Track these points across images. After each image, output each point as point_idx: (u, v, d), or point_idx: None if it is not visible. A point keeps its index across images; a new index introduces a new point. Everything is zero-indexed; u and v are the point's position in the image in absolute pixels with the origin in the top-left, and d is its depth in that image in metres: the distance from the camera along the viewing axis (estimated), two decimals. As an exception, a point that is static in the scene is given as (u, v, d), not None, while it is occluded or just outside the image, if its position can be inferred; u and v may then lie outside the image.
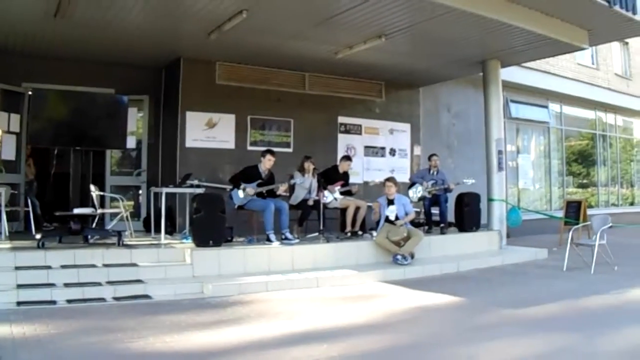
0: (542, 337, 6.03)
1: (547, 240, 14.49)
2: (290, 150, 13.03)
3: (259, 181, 10.22)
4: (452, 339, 6.01)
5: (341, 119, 14.17)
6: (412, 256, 10.34)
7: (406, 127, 15.17)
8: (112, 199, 11.53)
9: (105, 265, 8.29)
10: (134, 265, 8.51)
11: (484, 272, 10.52)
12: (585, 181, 22.18)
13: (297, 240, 10.18)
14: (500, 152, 12.84)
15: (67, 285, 7.64)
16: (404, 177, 14.08)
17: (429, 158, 12.54)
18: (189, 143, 11.98)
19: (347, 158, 12.01)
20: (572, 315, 7.12)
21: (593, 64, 21.04)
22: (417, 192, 12.14)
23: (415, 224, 11.48)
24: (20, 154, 11.49)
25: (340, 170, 11.79)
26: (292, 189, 10.93)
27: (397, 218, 10.58)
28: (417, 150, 15.30)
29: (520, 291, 8.75)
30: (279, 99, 13.08)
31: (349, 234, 11.03)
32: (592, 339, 6.00)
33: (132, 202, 12.56)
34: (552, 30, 10.70)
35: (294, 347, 5.61)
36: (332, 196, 11.02)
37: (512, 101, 17.72)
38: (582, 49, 12.11)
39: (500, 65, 12.91)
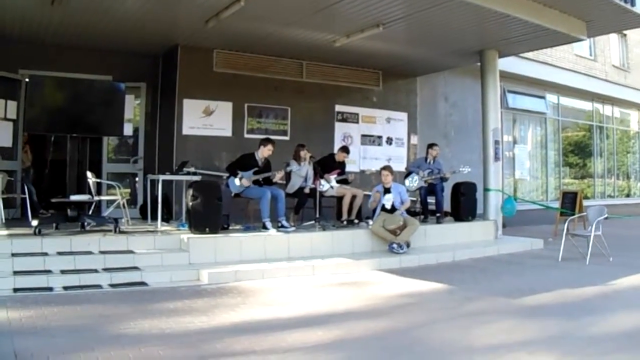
0: (536, 325, 6.07)
1: (543, 230, 14.53)
2: (287, 138, 13.03)
3: (256, 169, 10.22)
4: (447, 326, 6.04)
5: (338, 108, 14.16)
6: (408, 245, 10.36)
7: (403, 116, 15.18)
8: (109, 186, 11.55)
9: (102, 252, 8.30)
10: (131, 252, 8.51)
11: (480, 261, 10.55)
12: (581, 172, 22.22)
13: (293, 228, 10.20)
14: (497, 142, 12.86)
15: (63, 272, 7.65)
16: (400, 166, 14.16)
17: (431, 147, 12.50)
18: (186, 130, 11.99)
19: (345, 150, 12.03)
20: (567, 304, 7.15)
21: (591, 55, 21.04)
22: (413, 181, 12.15)
23: (411, 212, 11.51)
24: (16, 141, 11.50)
25: (337, 159, 11.81)
26: (288, 176, 10.95)
27: (393, 206, 10.61)
28: (414, 140, 15.31)
29: (516, 281, 8.77)
30: (277, 87, 13.07)
31: (345, 222, 11.07)
32: (586, 327, 6.04)
33: (128, 190, 12.58)
34: (551, 21, 10.70)
35: (290, 333, 5.63)
36: (328, 184, 11.05)
37: (510, 91, 17.72)
38: (580, 40, 12.12)
39: (498, 55, 12.91)
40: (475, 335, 5.72)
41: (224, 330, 5.73)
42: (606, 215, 10.48)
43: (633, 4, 10.51)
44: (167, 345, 5.13)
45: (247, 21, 10.32)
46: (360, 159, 14.36)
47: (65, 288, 7.28)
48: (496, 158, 12.86)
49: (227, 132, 12.51)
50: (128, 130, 12.09)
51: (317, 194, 10.63)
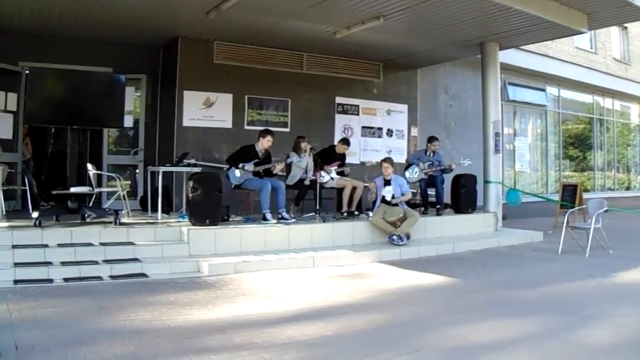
0: (535, 319, 6.08)
1: (543, 223, 14.55)
2: (287, 130, 13.03)
3: (256, 160, 10.23)
4: (447, 319, 6.04)
5: (339, 99, 14.16)
6: (408, 237, 10.38)
7: (404, 108, 15.17)
8: (109, 178, 11.56)
9: (102, 244, 8.31)
10: (131, 244, 8.52)
11: (480, 253, 10.57)
12: (581, 165, 22.22)
13: (293, 220, 10.21)
14: (497, 135, 12.85)
15: (64, 263, 7.67)
16: (400, 157, 14.16)
17: (430, 141, 12.47)
18: (186, 122, 11.99)
19: (346, 142, 12.01)
20: (566, 297, 7.17)
21: (592, 48, 21.01)
22: (413, 172, 12.15)
23: (411, 204, 11.51)
24: (17, 133, 11.49)
25: (337, 151, 11.81)
26: (288, 168, 10.96)
27: (393, 198, 10.61)
28: (414, 131, 15.30)
29: (515, 273, 8.79)
30: (277, 78, 13.05)
31: (345, 214, 11.07)
32: (585, 321, 6.04)
33: (129, 181, 12.58)
34: (551, 13, 10.68)
35: (289, 325, 5.64)
36: (328, 176, 11.05)
37: (510, 84, 17.71)
38: (581, 32, 12.10)
39: (498, 47, 12.89)
40: (475, 327, 5.73)
41: (225, 322, 5.74)
42: (606, 208, 10.48)
43: (634, -4, 10.50)
44: (168, 337, 5.15)
45: (247, 13, 10.30)
46: (361, 151, 14.36)
47: (66, 280, 7.30)
48: (496, 150, 12.85)
49: (228, 124, 12.50)
50: (128, 122, 12.09)
51: (318, 185, 10.64)
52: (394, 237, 10.19)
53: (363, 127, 14.57)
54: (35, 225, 8.43)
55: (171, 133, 11.95)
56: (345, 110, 14.27)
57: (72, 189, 9.28)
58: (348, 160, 12.21)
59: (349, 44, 12.46)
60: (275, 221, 9.96)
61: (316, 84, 13.61)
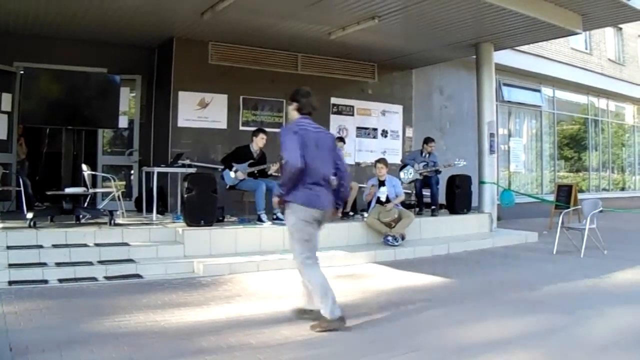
0: (531, 319, 6.09)
1: (538, 223, 14.56)
2: (282, 130, 12.99)
3: (251, 161, 10.22)
4: (442, 320, 6.04)
5: (334, 100, 14.15)
6: (403, 237, 10.38)
7: (398, 108, 15.18)
8: (104, 179, 11.56)
9: (97, 245, 8.29)
10: (126, 244, 8.50)
11: (475, 254, 10.57)
12: (576, 165, 22.26)
13: (288, 221, 10.18)
14: (492, 135, 12.85)
15: (58, 264, 7.65)
16: (395, 158, 14.16)
17: (426, 142, 12.46)
18: (181, 123, 11.96)
19: (341, 140, 12.02)
20: (561, 297, 7.17)
21: (586, 48, 21.07)
22: (408, 173, 12.17)
23: (406, 205, 11.51)
24: (12, 134, 11.48)
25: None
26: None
27: (387, 199, 10.62)
28: (409, 132, 15.32)
29: (510, 274, 8.80)
30: (272, 79, 13.03)
31: (340, 215, 11.05)
32: (581, 321, 6.04)
33: (123, 182, 12.55)
34: (546, 14, 10.69)
35: (284, 326, 5.64)
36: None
37: (505, 84, 17.74)
38: (576, 33, 12.11)
39: (493, 48, 12.89)
40: (470, 328, 5.74)
41: (220, 323, 5.74)
42: (601, 209, 10.51)
43: (629, -3, 10.52)
44: (163, 338, 5.14)
45: (242, 13, 10.29)
46: (356, 152, 14.36)
47: (61, 281, 7.29)
48: (491, 151, 12.87)
49: (223, 125, 12.49)
50: (123, 122, 12.05)
51: (313, 186, 10.61)
52: (389, 238, 10.20)
53: (358, 128, 14.56)
54: (29, 226, 8.43)
55: (166, 134, 11.93)
56: (340, 110, 14.27)
57: (67, 190, 9.26)
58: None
59: (343, 45, 12.46)
60: (270, 222, 9.95)
61: (311, 84, 13.26)
